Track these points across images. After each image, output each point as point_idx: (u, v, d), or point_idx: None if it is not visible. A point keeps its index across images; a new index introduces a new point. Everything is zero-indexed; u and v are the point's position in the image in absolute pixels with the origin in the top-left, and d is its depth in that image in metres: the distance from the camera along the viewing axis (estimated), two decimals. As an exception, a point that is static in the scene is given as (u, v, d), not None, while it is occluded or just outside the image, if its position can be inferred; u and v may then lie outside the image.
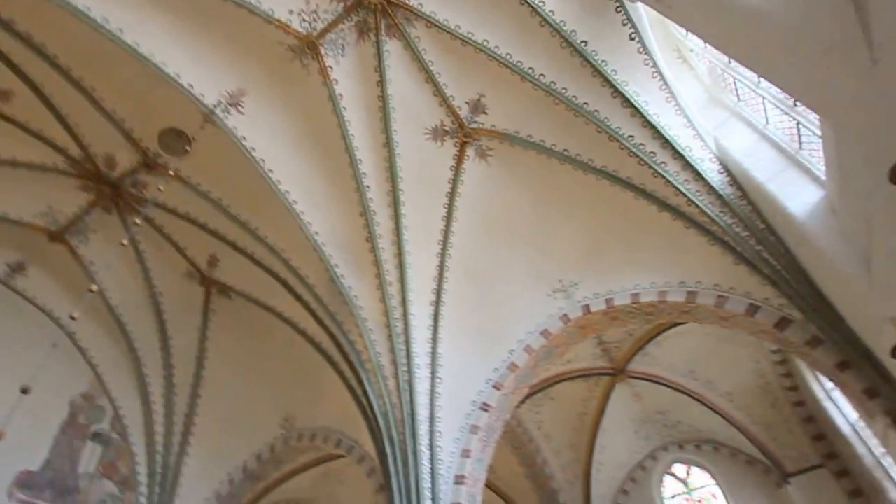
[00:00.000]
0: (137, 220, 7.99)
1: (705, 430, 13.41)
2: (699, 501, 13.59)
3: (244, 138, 8.23)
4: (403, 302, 9.15)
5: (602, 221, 8.76)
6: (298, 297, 9.96)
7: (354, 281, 9.32)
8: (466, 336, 9.49)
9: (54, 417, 10.60)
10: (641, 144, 7.46)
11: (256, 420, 12.23)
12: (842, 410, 9.89)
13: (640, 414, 13.70)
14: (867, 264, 4.93)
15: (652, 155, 7.44)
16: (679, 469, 14.18)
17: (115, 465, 11.11)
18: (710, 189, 7.31)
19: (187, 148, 8.59)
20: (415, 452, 8.50)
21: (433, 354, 9.27)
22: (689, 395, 12.55)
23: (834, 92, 3.61)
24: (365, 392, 9.33)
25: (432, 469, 8.40)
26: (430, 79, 8.11)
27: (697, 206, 7.39)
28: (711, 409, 12.48)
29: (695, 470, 13.92)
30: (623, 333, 11.62)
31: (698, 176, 7.33)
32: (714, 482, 13.42)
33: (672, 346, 11.86)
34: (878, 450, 8.72)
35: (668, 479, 14.20)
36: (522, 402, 11.56)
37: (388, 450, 8.73)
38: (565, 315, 9.01)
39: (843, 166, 4.63)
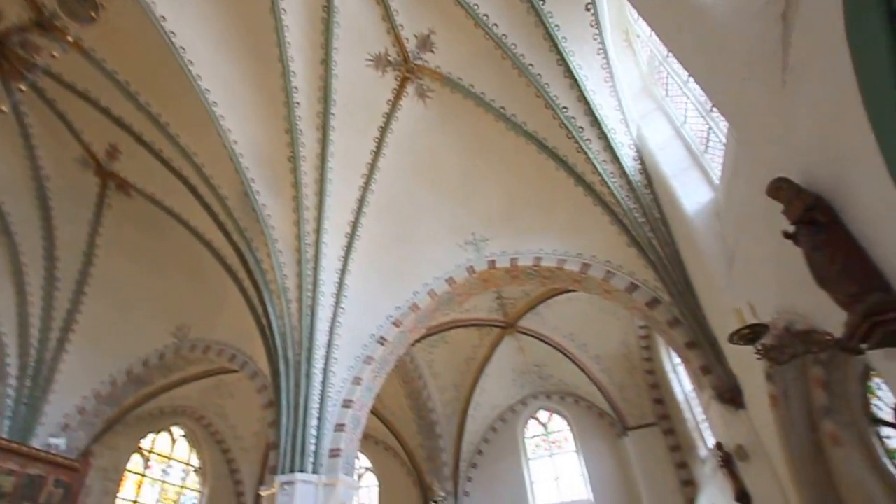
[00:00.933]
0: (22, 87, 6.99)
1: (571, 385, 14.96)
2: (554, 442, 15.34)
3: (164, 18, 7.08)
4: (318, 229, 8.96)
5: (522, 184, 9.08)
6: (207, 207, 9.38)
7: (270, 199, 8.93)
8: (375, 272, 9.59)
9: None
10: (573, 118, 7.72)
11: (147, 325, 11.56)
12: (681, 382, 11.47)
13: (521, 365, 14.90)
14: (730, 263, 5.67)
15: (580, 130, 7.75)
16: (543, 415, 15.82)
17: None
18: (623, 173, 7.82)
19: (94, 15, 7.42)
20: (308, 375, 8.63)
21: (340, 285, 9.28)
22: (564, 353, 13.81)
23: (744, 104, 3.91)
24: (266, 312, 9.21)
25: (323, 391, 8.62)
26: (382, 1, 7.64)
27: (609, 186, 7.91)
28: (580, 368, 13.88)
29: (556, 417, 15.62)
30: (520, 292, 12.38)
31: (615, 159, 7.79)
32: (569, 428, 15.18)
33: (559, 309, 12.86)
34: (700, 416, 10.31)
35: (531, 423, 15.81)
36: (418, 341, 12.07)
37: (281, 369, 8.78)
38: (472, 267, 9.39)
39: (734, 174, 5.19)
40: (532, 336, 13.63)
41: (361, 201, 9.16)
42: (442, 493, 13.76)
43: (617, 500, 13.39)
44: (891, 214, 2.56)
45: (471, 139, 8.95)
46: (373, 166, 8.99)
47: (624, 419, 13.62)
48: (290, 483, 7.73)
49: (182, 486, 15.07)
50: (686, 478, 12.24)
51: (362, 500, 15.94)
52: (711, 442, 8.40)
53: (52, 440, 10.19)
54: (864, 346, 2.80)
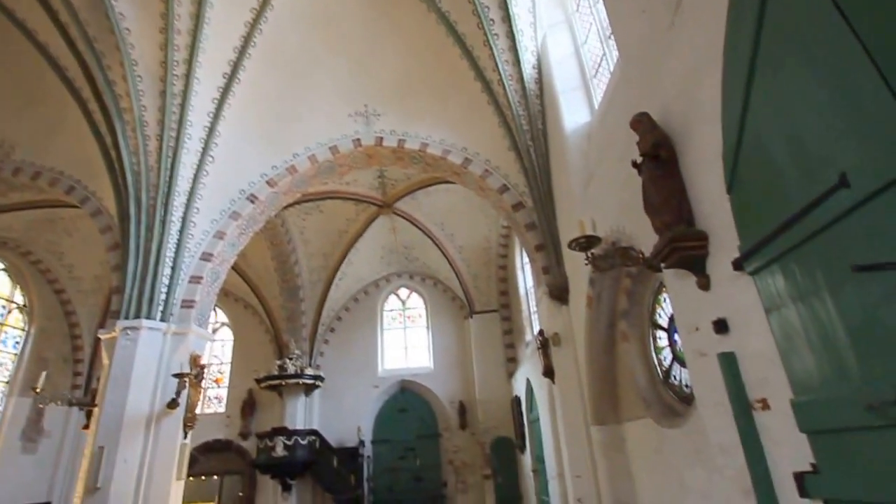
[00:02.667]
0: None
1: (432, 269, 16.00)
2: (408, 317, 16.67)
3: None
4: (190, 60, 7.77)
5: (423, 66, 8.73)
6: (45, 3, 7.57)
7: (131, 10, 7.42)
8: (254, 125, 8.81)
9: None
10: (487, 7, 7.43)
11: None
12: (525, 279, 12.93)
13: (391, 244, 15.40)
14: (587, 183, 6.29)
15: (491, 22, 7.51)
16: (403, 292, 16.91)
17: None
18: (521, 78, 7.89)
19: None
20: (164, 222, 8.01)
21: (211, 130, 8.40)
22: (433, 240, 14.53)
23: (634, 36, 4.13)
24: (116, 144, 8.08)
25: (180, 241, 8.12)
26: None
27: (505, 88, 7.97)
28: (444, 255, 14.81)
29: (414, 295, 16.80)
30: (402, 174, 12.40)
31: (517, 62, 7.78)
32: (424, 306, 16.52)
33: (436, 198, 13.25)
34: (533, 309, 11.89)
35: (392, 298, 16.85)
36: (292, 205, 11.73)
37: (132, 211, 8.00)
38: (359, 140, 9.09)
39: (611, 103, 5.59)
40: (406, 219, 14.00)
41: (247, 40, 8.07)
42: (297, 352, 14.44)
43: (453, 370, 15.32)
44: (709, 169, 3.03)
45: (380, 5, 8.21)
46: (265, 3, 7.86)
47: (472, 304, 15.15)
48: (135, 329, 7.41)
49: (2, 325, 13.68)
50: (511, 356, 14.36)
51: (216, 354, 16.08)
52: (536, 329, 9.81)
53: None
54: (662, 265, 3.43)
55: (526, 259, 11.83)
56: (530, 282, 11.95)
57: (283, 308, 14.89)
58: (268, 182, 8.88)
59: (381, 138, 9.09)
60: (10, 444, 12.99)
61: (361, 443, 14.06)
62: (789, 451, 2.53)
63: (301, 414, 14.14)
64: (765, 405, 2.71)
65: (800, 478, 2.41)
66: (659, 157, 3.31)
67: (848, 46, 1.93)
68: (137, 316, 7.55)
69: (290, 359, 14.19)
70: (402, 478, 14.35)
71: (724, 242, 2.94)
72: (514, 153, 8.34)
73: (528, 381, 11.36)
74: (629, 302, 6.09)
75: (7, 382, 13.55)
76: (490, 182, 8.68)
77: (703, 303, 3.19)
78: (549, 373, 7.66)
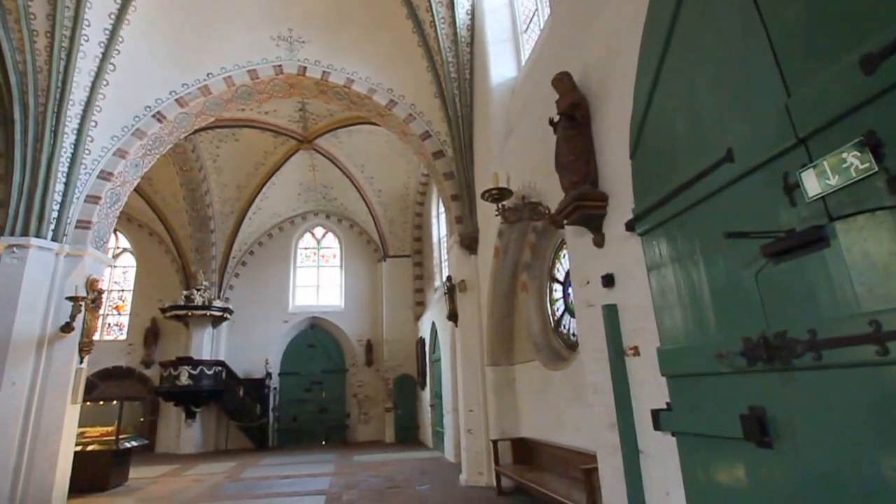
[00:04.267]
0: None
1: (350, 210, 15.53)
2: (322, 256, 16.18)
3: None
4: (87, -56, 6.51)
5: (355, -1, 8.03)
6: None
7: None
8: (164, 35, 7.68)
9: None
10: (425, -57, 6.89)
11: None
12: (439, 228, 12.97)
13: (309, 182, 14.63)
14: (507, 137, 6.28)
15: (429, -40, 7.01)
16: (319, 231, 16.30)
17: None
18: (453, 23, 7.53)
19: None
20: (55, 132, 6.91)
21: (112, 35, 7.20)
22: (352, 182, 14.00)
23: None
24: (-9, 31, 6.69)
25: (74, 155, 7.07)
26: None
27: (437, 31, 7.58)
28: (363, 198, 14.38)
29: (329, 235, 16.28)
30: (325, 110, 11.62)
31: (451, 5, 7.40)
32: (339, 247, 16.11)
33: (358, 139, 12.65)
34: (443, 256, 12.02)
35: (307, 236, 16.20)
36: (204, 129, 10.63)
37: (17, 115, 6.83)
38: (280, 67, 8.26)
39: (538, 59, 5.52)
40: (326, 157, 13.30)
41: (156, -64, 6.88)
42: (206, 283, 13.56)
43: (363, 309, 15.28)
44: (617, 134, 3.08)
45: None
46: None
47: (387, 248, 15.02)
48: (22, 247, 6.55)
49: None
50: (419, 300, 14.59)
51: (116, 280, 14.67)
52: (444, 276, 9.98)
53: None
54: (565, 221, 3.52)
55: (441, 208, 11.81)
56: (444, 230, 12.01)
57: (191, 238, 13.77)
58: (177, 101, 7.88)
59: (305, 68, 8.34)
60: None
61: (269, 375, 13.79)
62: (650, 391, 2.78)
63: (208, 345, 13.49)
64: (636, 352, 2.93)
65: (656, 414, 2.66)
66: (574, 117, 3.31)
67: (753, 29, 1.97)
68: (25, 233, 6.62)
69: (198, 290, 13.32)
70: (307, 409, 14.39)
71: (621, 205, 3.05)
72: (440, 100, 8.07)
73: (433, 324, 11.64)
74: (532, 255, 6.31)
75: None
76: (413, 127, 8.38)
77: (596, 259, 3.34)
78: (453, 317, 7.85)
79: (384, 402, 13.95)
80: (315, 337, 15.17)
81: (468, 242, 7.56)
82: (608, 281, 3.16)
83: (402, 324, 14.40)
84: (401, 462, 9.63)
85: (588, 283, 3.44)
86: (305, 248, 16.13)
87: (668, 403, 2.61)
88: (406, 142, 9.07)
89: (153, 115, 7.77)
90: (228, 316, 13.92)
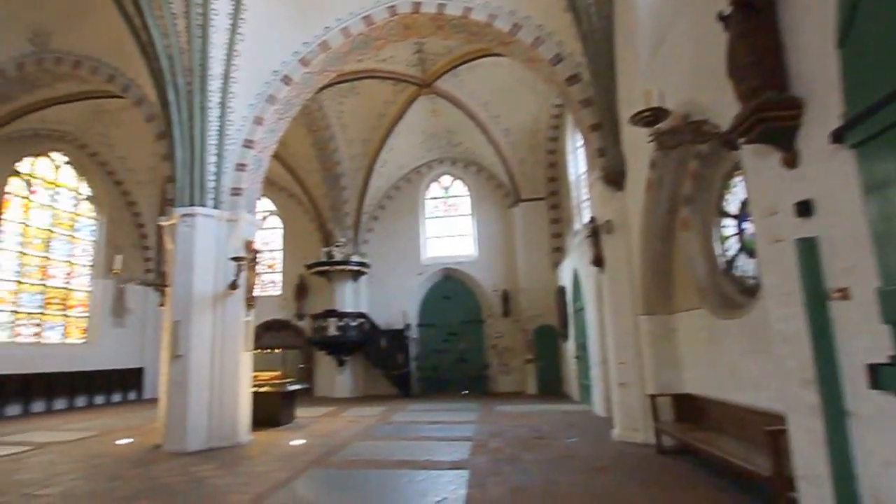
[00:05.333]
0: None
1: (476, 154, 15.55)
2: (451, 205, 16.63)
3: None
4: (206, -76, 7.13)
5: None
6: None
7: None
8: (281, -2, 8.24)
9: None
10: None
11: None
12: (576, 164, 12.35)
13: (432, 128, 14.92)
14: (656, 48, 5.59)
15: None
16: (446, 179, 16.69)
17: None
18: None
19: None
20: (203, 108, 7.93)
21: (237, 5, 7.93)
22: (476, 123, 13.91)
23: None
24: (146, 25, 7.80)
25: (221, 128, 8.09)
26: None
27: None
28: (489, 139, 14.25)
29: (457, 182, 16.58)
30: (442, 47, 11.56)
31: None
32: (468, 194, 16.36)
33: (481, 74, 12.42)
34: (583, 196, 11.50)
35: (434, 185, 16.72)
36: (328, 86, 11.33)
37: (171, 98, 7.94)
38: (394, 7, 8.32)
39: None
40: (447, 99, 13.35)
41: None
42: (343, 239, 14.94)
43: (496, 258, 15.53)
44: (816, 17, 2.52)
45: None
46: None
47: (518, 191, 14.84)
48: (191, 216, 7.79)
49: (75, 214, 14.76)
50: (557, 246, 14.29)
51: (267, 240, 16.87)
52: (586, 218, 9.57)
53: None
54: (741, 140, 3.07)
55: (579, 141, 11.19)
56: (582, 167, 11.43)
57: (326, 197, 15.13)
58: (300, 61, 8.49)
59: (419, 4, 8.28)
60: (104, 320, 15.08)
61: (407, 326, 14.94)
62: (864, 342, 2.39)
63: (350, 298, 15.01)
64: (844, 294, 2.51)
65: (874, 369, 2.29)
66: (752, 5, 2.78)
67: None
68: (192, 203, 7.85)
69: (337, 246, 14.75)
70: (446, 359, 15.37)
71: (822, 111, 2.55)
72: (572, 15, 7.44)
73: (574, 271, 11.38)
74: (694, 187, 5.69)
75: (91, 266, 15.05)
76: (542, 52, 7.91)
77: (786, 183, 2.87)
78: (598, 262, 7.56)
79: (524, 354, 14.28)
80: (450, 288, 15.92)
81: (613, 177, 7.09)
82: (804, 209, 2.71)
83: (540, 272, 14.35)
84: (545, 414, 9.88)
85: (775, 213, 2.99)
86: (433, 199, 16.72)
87: (892, 357, 2.21)
88: (534, 70, 8.64)
89: (281, 79, 8.49)
90: (366, 270, 15.26)
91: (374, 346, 14.49)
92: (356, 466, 5.93)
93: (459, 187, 16.57)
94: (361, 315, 14.62)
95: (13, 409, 11.90)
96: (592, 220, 7.80)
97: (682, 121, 3.78)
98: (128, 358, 15.44)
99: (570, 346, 12.36)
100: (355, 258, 14.90)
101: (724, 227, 5.58)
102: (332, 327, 13.89)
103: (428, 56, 12.07)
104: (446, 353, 15.43)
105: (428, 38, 9.28)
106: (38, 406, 12.45)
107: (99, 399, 14.18)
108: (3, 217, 12.54)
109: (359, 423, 9.51)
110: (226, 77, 8.09)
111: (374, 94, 13.21)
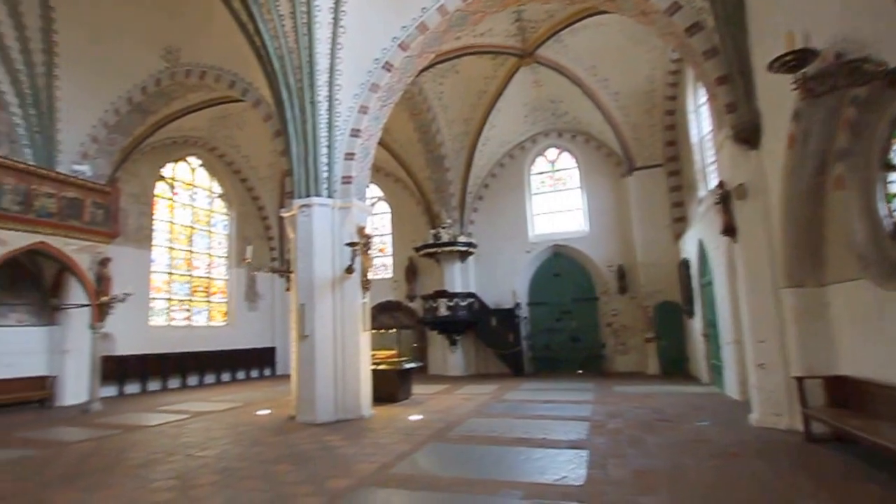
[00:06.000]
0: None
1: (584, 123, 14.89)
2: (558, 179, 16.17)
3: None
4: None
5: None
6: None
7: None
8: (378, -18, 8.45)
9: None
10: None
11: (132, 48, 11.03)
12: (699, 124, 11.30)
13: (535, 100, 14.54)
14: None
15: None
16: (551, 153, 16.23)
17: None
18: None
19: None
20: (313, 102, 8.48)
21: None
22: (583, 89, 13.29)
23: None
24: (258, 31, 8.47)
25: (329, 120, 8.59)
26: None
27: None
28: (597, 105, 13.55)
29: (564, 155, 16.05)
30: (543, 12, 11.13)
31: None
32: (576, 166, 15.77)
33: (585, 37, 11.80)
34: (709, 160, 10.50)
35: (539, 160, 16.35)
36: (427, 68, 11.49)
37: (284, 96, 8.58)
38: (491, -23, 8.19)
39: None
40: (550, 68, 12.89)
41: None
42: (449, 220, 15.25)
43: (610, 232, 14.86)
44: None
45: None
46: None
47: (632, 159, 13.99)
48: (308, 206, 8.45)
49: (210, 211, 16.71)
50: (679, 216, 13.28)
51: (377, 226, 17.73)
52: (712, 184, 8.76)
53: (76, 167, 11.00)
54: (917, 75, 2.58)
55: (702, 99, 10.23)
56: (707, 127, 10.46)
57: (430, 179, 15.49)
58: (400, 46, 8.69)
59: (517, -31, 8.03)
60: (239, 304, 17.06)
61: (517, 305, 14.92)
62: None
63: (459, 278, 15.33)
64: None
65: None
66: None
67: None
68: (308, 195, 8.49)
69: (443, 228, 15.09)
70: (559, 338, 15.14)
71: None
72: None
73: (699, 242, 10.52)
74: (851, 138, 4.92)
75: (226, 257, 17.06)
76: (655, 2, 7.27)
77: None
78: (729, 231, 6.90)
79: (644, 332, 13.59)
80: (560, 265, 15.59)
81: (746, 135, 6.38)
82: None
83: (659, 245, 13.48)
84: (668, 395, 9.37)
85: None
86: (539, 174, 16.36)
87: None
88: (646, 24, 7.97)
89: (382, 67, 8.77)
90: (473, 250, 15.46)
91: (485, 326, 14.73)
92: (473, 442, 6.11)
93: (566, 160, 16.02)
94: (471, 295, 14.91)
95: (174, 383, 13.92)
96: (721, 184, 7.11)
97: (834, 61, 3.26)
98: (261, 338, 17.30)
99: (696, 324, 11.53)
100: (462, 239, 15.15)
101: (890, 182, 4.77)
102: (443, 307, 14.33)
103: (528, 24, 11.71)
104: (558, 331, 15.19)
105: (527, 3, 8.98)
106: (192, 380, 14.43)
107: (240, 374, 16.09)
108: (154, 217, 14.52)
109: (472, 400, 9.75)
110: (331, 70, 8.54)
111: (473, 70, 13.16)
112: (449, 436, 6.52)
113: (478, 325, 14.75)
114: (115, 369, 12.20)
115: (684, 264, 12.21)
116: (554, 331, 15.22)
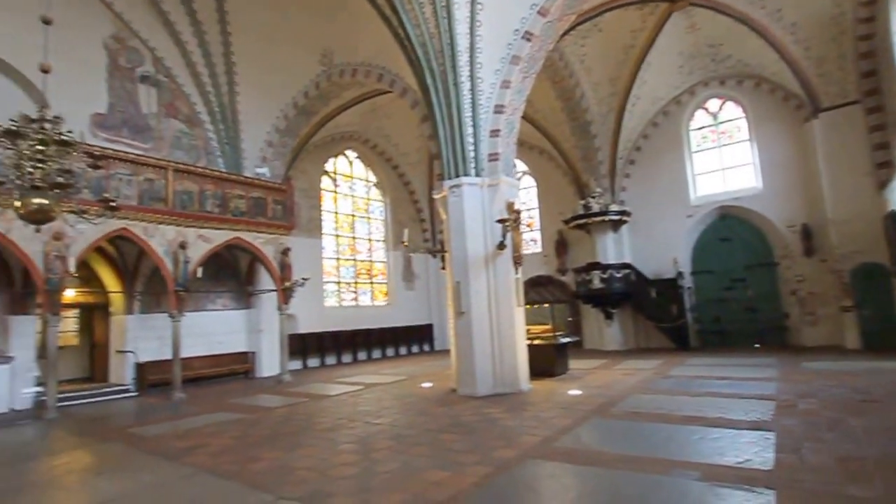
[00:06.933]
0: None
1: (753, 64, 13.10)
2: (723, 133, 14.49)
3: None
4: None
5: None
6: None
7: None
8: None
9: (96, 62, 10.96)
10: None
11: (296, 59, 12.57)
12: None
13: (691, 48, 13.18)
14: None
15: None
16: (713, 104, 14.60)
17: (176, 105, 12.18)
18: None
19: None
20: (456, 84, 8.75)
21: (474, -25, 8.40)
22: (749, 26, 11.67)
23: None
24: (401, 22, 8.94)
25: (473, 99, 8.80)
26: None
27: None
28: (769, 42, 11.81)
29: (729, 104, 14.33)
30: (697, -52, 10.01)
31: None
32: (743, 116, 14.00)
33: (750, -35, 10.34)
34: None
35: (699, 113, 14.82)
36: (567, 32, 11.08)
37: (429, 82, 8.98)
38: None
39: None
40: (708, 8, 11.53)
41: None
42: (599, 190, 14.68)
43: (789, 187, 12.99)
44: None
45: None
46: None
47: (816, 99, 11.98)
48: (458, 186, 8.83)
49: (367, 199, 18.29)
50: (883, 159, 11.08)
51: (523, 200, 17.74)
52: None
53: (258, 170, 12.96)
54: None
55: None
56: (922, 47, 8.53)
57: (576, 148, 14.99)
58: (539, 12, 8.52)
59: None
60: (398, 285, 18.53)
61: (679, 274, 13.88)
62: None
63: (612, 249, 14.74)
64: None
65: None
66: None
67: None
68: (457, 175, 8.87)
69: (593, 197, 14.58)
70: (730, 308, 13.77)
71: None
72: None
73: (917, 188, 8.73)
74: None
75: (384, 241, 18.62)
76: None
77: None
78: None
79: (838, 300, 11.74)
80: (728, 228, 14.10)
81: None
82: None
83: (857, 197, 11.44)
84: (874, 373, 8.09)
85: None
86: (699, 129, 14.86)
87: None
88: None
89: (522, 37, 8.69)
90: (627, 218, 14.71)
91: (643, 298, 14.02)
92: (639, 418, 5.95)
93: (731, 110, 14.29)
94: (626, 266, 14.28)
95: (346, 358, 15.68)
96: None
97: None
98: (418, 316, 18.60)
99: (913, 290, 9.65)
100: (614, 207, 14.50)
101: None
102: (596, 280, 13.95)
103: (678, -38, 10.61)
104: (729, 301, 13.83)
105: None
106: (361, 355, 16.11)
107: (402, 350, 17.51)
108: (321, 208, 16.31)
109: (634, 375, 9.43)
110: (472, 49, 8.71)
111: (617, 26, 12.35)
112: (612, 411, 6.44)
113: (635, 297, 14.07)
114: (299, 345, 14.12)
115: (891, 217, 10.23)
116: (724, 301, 13.88)
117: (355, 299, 17.33)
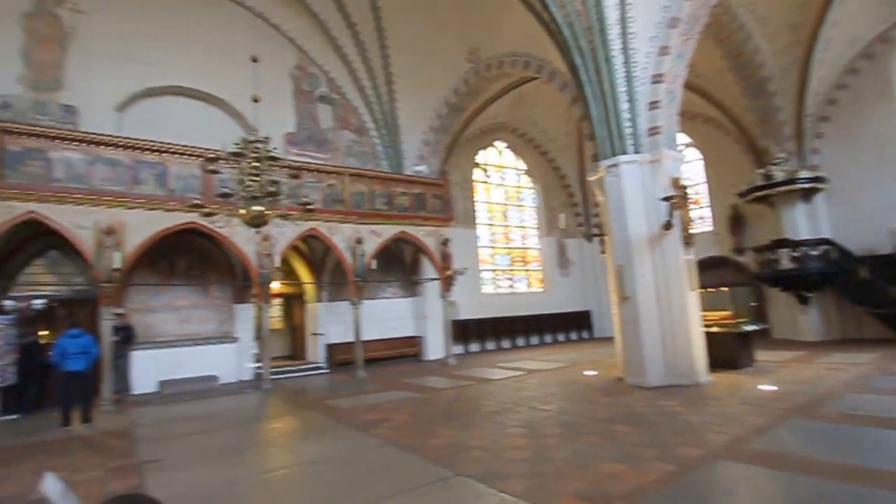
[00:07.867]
0: None
1: None
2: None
3: None
4: None
5: None
6: None
7: None
8: None
9: (284, 89, 12.72)
10: None
11: (445, 59, 13.04)
12: None
13: (904, -30, 10.56)
14: None
15: None
16: (941, 34, 11.53)
17: (347, 118, 13.58)
18: None
19: None
20: (607, 60, 8.17)
21: (620, -62, 7.72)
22: None
23: None
24: (545, 5, 8.60)
25: (627, 72, 8.15)
26: None
27: None
28: None
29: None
30: None
31: None
32: None
33: None
34: None
35: (920, 50, 11.84)
36: (736, -21, 9.66)
37: (578, 62, 8.52)
38: None
39: None
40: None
41: None
42: (782, 155, 12.59)
43: None
44: None
45: None
46: None
47: None
48: (615, 165, 8.25)
49: (518, 187, 18.19)
50: None
51: (687, 175, 16.03)
52: None
53: (416, 168, 13.75)
54: None
55: None
56: None
57: (750, 111, 13.00)
58: (701, -36, 7.50)
59: None
60: (552, 271, 18.13)
61: (899, 248, 11.30)
62: None
63: (803, 222, 12.56)
64: None
65: None
66: None
67: None
68: (613, 154, 8.31)
69: (774, 164, 12.56)
70: (980, 288, 10.81)
71: None
72: None
73: None
74: None
75: (537, 228, 18.41)
76: None
77: None
78: None
79: None
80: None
81: None
82: None
83: None
84: None
85: None
86: (920, 73, 11.90)
87: None
88: None
89: (681, -5, 7.75)
90: (821, 185, 12.39)
91: (849, 278, 11.70)
92: (858, 422, 4.94)
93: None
94: (824, 241, 12.02)
95: (505, 343, 15.79)
96: None
97: None
98: (575, 302, 17.96)
99: None
100: (804, 174, 12.29)
101: None
102: (785, 259, 11.98)
103: None
104: (976, 281, 10.87)
105: None
106: (519, 341, 16.08)
107: (559, 336, 17.09)
108: (475, 199, 16.61)
109: (843, 371, 7.93)
110: (623, 20, 8.05)
111: (799, -38, 10.39)
112: (819, 412, 5.46)
113: (838, 277, 11.78)
114: (460, 331, 14.56)
115: None
116: (967, 280, 10.96)
117: (511, 286, 17.37)
